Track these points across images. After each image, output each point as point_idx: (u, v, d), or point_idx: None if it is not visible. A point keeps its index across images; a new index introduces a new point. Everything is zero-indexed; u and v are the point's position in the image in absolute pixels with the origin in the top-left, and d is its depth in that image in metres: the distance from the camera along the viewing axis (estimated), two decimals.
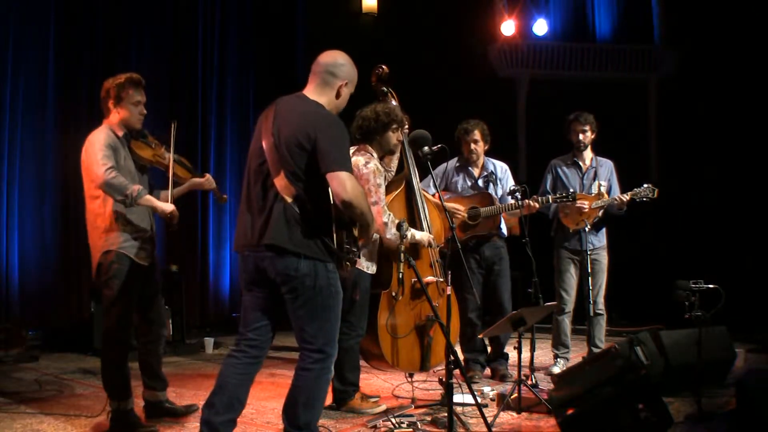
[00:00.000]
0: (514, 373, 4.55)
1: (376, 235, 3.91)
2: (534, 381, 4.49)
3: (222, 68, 8.16)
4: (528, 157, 9.15)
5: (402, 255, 3.67)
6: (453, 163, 5.07)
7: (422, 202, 4.29)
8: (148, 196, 3.59)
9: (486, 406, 4.05)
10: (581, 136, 5.22)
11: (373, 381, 4.82)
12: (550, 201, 4.89)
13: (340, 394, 4.04)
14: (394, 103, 4.34)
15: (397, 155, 4.32)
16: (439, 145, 4.13)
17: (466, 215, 4.85)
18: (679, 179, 8.00)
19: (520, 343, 4.09)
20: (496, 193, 5.02)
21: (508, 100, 9.44)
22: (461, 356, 4.81)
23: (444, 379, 3.45)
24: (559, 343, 5.21)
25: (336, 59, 3.01)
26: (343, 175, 2.72)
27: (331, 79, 2.98)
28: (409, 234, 3.93)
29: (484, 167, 5.11)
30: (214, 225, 8.09)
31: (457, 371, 3.31)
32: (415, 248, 4.18)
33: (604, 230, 5.24)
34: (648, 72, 9.27)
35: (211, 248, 8.02)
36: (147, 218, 3.71)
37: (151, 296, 3.78)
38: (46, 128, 6.55)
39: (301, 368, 2.89)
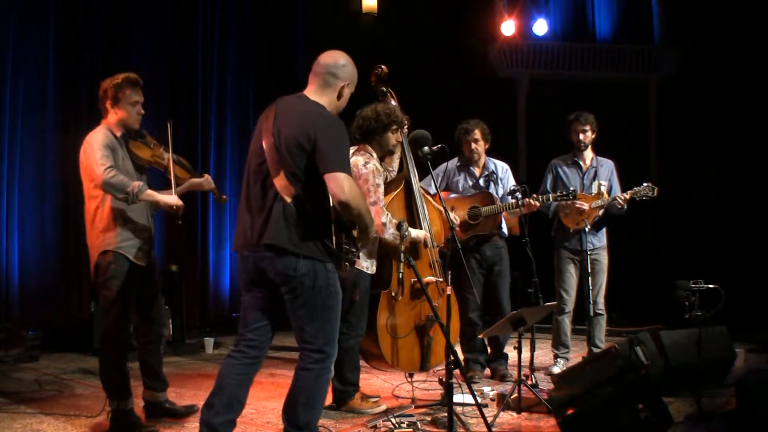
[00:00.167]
0: (514, 373, 4.55)
1: (375, 235, 3.90)
2: (534, 381, 4.49)
3: (222, 68, 8.16)
4: (528, 157, 9.15)
5: (402, 255, 3.67)
6: (454, 162, 5.07)
7: (422, 202, 4.29)
8: (150, 191, 3.56)
9: (486, 406, 4.04)
10: (581, 136, 5.22)
11: (373, 381, 4.82)
12: (551, 199, 4.90)
13: (340, 394, 4.04)
14: (393, 103, 4.34)
15: (398, 155, 4.32)
16: (439, 145, 4.13)
17: (461, 221, 4.85)
18: (679, 179, 8.00)
19: (520, 343, 4.09)
20: (497, 193, 5.02)
21: (508, 100, 9.44)
22: (461, 356, 4.81)
23: (444, 379, 3.45)
24: (559, 343, 5.21)
25: (337, 60, 3.00)
26: (341, 176, 2.72)
27: (332, 80, 2.97)
28: (407, 234, 3.92)
29: (485, 167, 5.12)
30: (214, 225, 8.09)
31: (457, 371, 3.31)
32: (414, 248, 4.18)
33: (604, 230, 5.24)
34: (648, 72, 9.27)
35: (211, 248, 8.02)
36: (146, 217, 3.71)
37: (151, 296, 3.77)
38: (46, 128, 6.55)
39: (301, 368, 2.89)
